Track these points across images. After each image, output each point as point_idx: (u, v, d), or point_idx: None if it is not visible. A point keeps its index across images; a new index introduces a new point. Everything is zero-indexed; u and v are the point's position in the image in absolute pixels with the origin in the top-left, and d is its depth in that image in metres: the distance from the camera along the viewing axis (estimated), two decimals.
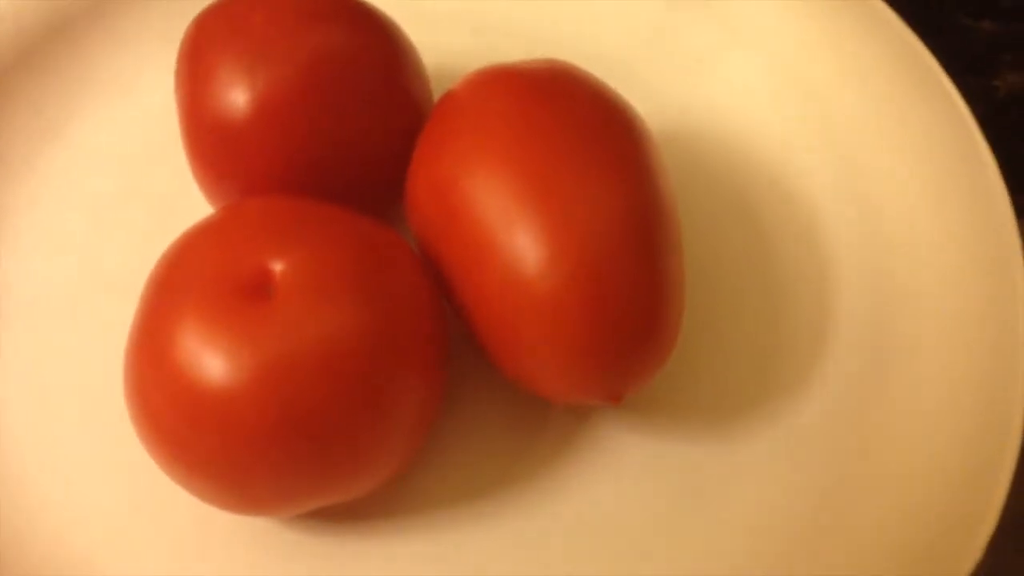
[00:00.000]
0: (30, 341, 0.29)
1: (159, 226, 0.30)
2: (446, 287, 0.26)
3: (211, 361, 0.23)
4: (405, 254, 0.25)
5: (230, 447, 0.23)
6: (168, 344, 0.23)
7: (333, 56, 0.27)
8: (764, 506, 0.27)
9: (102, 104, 0.34)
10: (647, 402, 0.28)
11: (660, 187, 0.25)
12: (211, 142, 0.27)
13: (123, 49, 0.35)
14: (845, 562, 0.25)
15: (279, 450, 0.23)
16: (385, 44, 0.28)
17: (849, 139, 0.32)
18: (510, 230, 0.24)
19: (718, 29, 0.35)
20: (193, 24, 0.28)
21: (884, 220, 0.30)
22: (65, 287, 0.30)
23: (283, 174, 0.27)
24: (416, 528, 0.26)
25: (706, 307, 0.29)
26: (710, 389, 0.28)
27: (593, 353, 0.24)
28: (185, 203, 0.31)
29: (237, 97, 0.26)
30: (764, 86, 0.33)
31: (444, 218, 0.25)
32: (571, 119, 0.25)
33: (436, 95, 0.28)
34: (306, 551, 0.26)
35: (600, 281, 0.24)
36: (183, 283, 0.24)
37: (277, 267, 0.23)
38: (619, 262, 0.24)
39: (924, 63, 0.31)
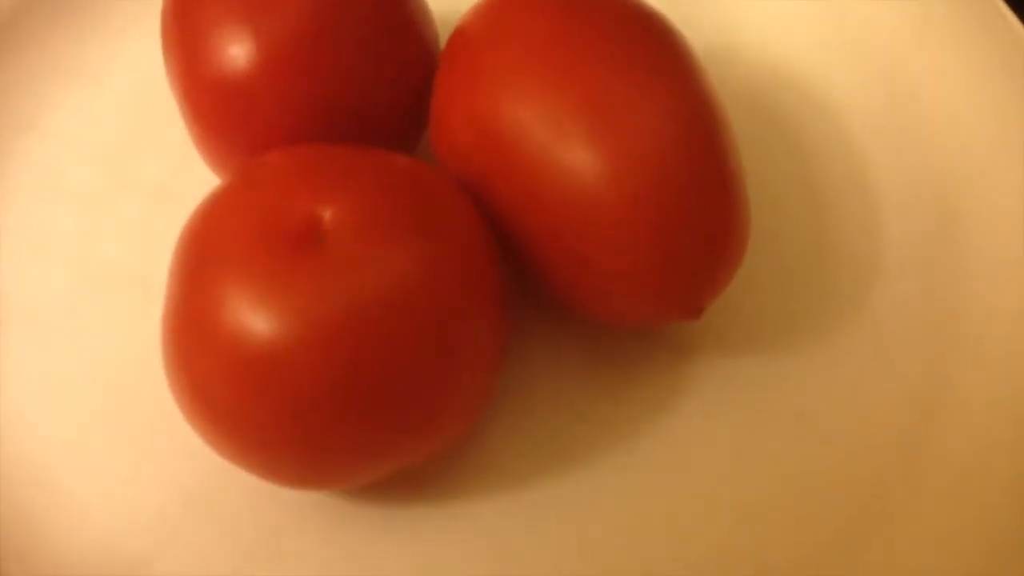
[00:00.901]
0: (32, 339, 0.27)
1: (150, 212, 0.29)
2: (496, 221, 0.24)
3: (266, 319, 0.20)
4: (453, 189, 0.23)
5: (296, 412, 0.21)
6: (214, 307, 0.21)
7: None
8: (853, 418, 0.25)
9: (73, 92, 0.31)
10: (719, 320, 0.26)
11: (709, 91, 0.24)
12: (216, 101, 0.25)
13: (89, 35, 0.32)
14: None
15: (350, 408, 0.21)
16: None
17: (899, 63, 0.30)
18: (567, 148, 0.22)
19: None
20: None
21: (935, 146, 0.29)
22: (62, 282, 0.28)
23: (296, 125, 0.25)
24: (496, 484, 0.25)
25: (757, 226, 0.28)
26: (773, 305, 0.27)
27: (672, 265, 0.23)
28: (175, 186, 0.29)
29: (240, 49, 0.24)
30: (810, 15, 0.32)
31: (487, 148, 0.23)
32: (607, 28, 0.24)
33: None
34: (377, 523, 0.24)
35: (669, 189, 0.22)
36: (222, 241, 0.22)
37: (325, 212, 0.21)
38: (684, 167, 0.22)
39: None
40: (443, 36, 0.27)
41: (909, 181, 0.29)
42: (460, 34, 0.25)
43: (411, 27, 0.26)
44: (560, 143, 0.22)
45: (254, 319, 0.21)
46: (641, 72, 0.23)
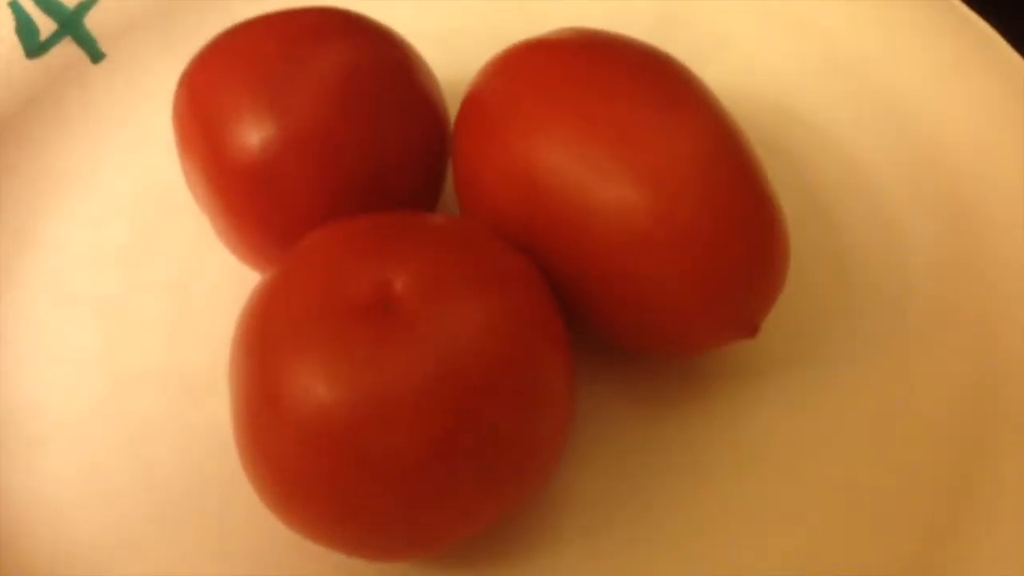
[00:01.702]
0: (73, 450, 0.26)
1: (171, 307, 0.29)
2: (543, 269, 0.24)
3: (353, 392, 0.20)
4: (505, 244, 0.23)
5: (391, 482, 0.21)
6: (294, 388, 0.21)
7: (354, 72, 0.25)
8: (919, 413, 0.26)
9: (69, 200, 0.31)
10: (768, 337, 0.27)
11: (730, 118, 0.25)
12: (247, 187, 0.25)
13: (76, 142, 0.32)
14: None
15: (445, 471, 0.21)
16: (397, 52, 0.27)
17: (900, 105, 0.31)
18: (607, 187, 0.23)
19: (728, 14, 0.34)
20: (193, 68, 0.26)
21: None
22: (94, 388, 0.27)
23: (327, 201, 0.25)
24: (573, 533, 0.25)
25: None
26: (811, 325, 0.28)
27: (726, 286, 0.23)
28: (192, 279, 0.29)
29: (268, 133, 0.25)
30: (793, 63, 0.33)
31: (526, 199, 0.24)
32: (625, 66, 0.25)
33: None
34: None
35: (713, 214, 0.23)
36: (291, 320, 0.21)
37: (393, 279, 0.21)
38: (724, 191, 0.23)
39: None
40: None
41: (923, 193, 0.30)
42: (477, 95, 0.26)
43: (422, 94, 0.27)
44: (600, 183, 0.23)
45: (339, 393, 0.20)
46: (666, 105, 0.24)
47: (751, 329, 0.24)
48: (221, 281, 0.29)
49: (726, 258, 0.23)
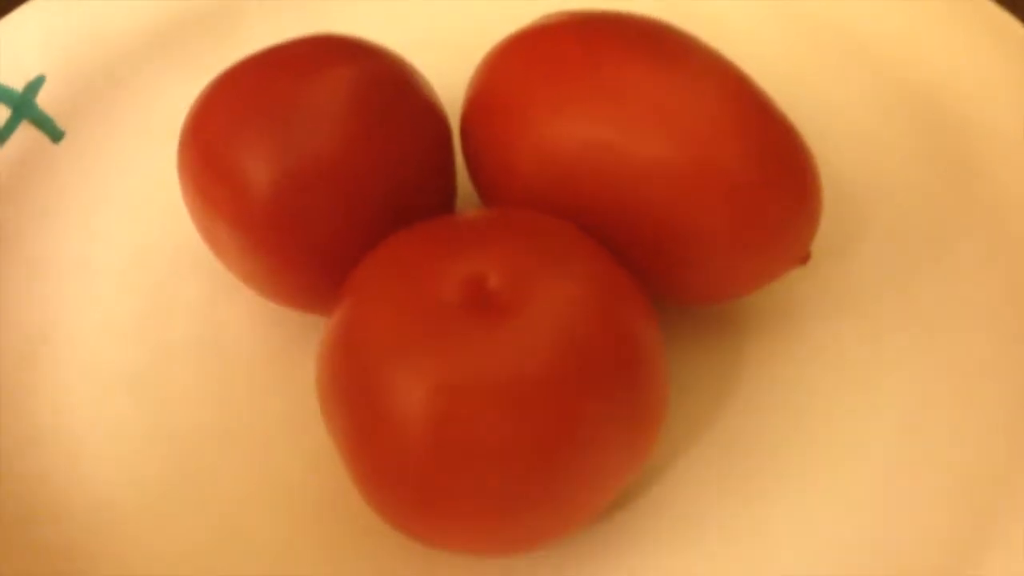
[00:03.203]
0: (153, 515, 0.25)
1: (207, 371, 0.28)
2: None
3: (458, 392, 0.20)
4: (569, 226, 0.24)
5: (519, 475, 0.21)
6: (405, 393, 0.21)
7: (361, 95, 0.25)
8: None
9: (67, 286, 0.29)
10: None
11: (735, 64, 0.26)
12: (274, 226, 0.25)
13: (56, 225, 0.30)
14: None
15: (552, 465, 0.21)
16: (395, 67, 0.27)
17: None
18: (648, 146, 0.24)
19: None
20: (196, 117, 0.25)
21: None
22: (163, 457, 0.26)
23: (357, 225, 0.25)
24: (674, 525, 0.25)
25: None
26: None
27: (777, 216, 0.24)
28: (220, 337, 0.28)
29: (290, 169, 0.24)
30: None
31: (562, 177, 0.24)
32: (627, 34, 0.25)
33: None
34: None
35: (754, 148, 0.24)
36: (387, 330, 0.21)
37: (484, 273, 0.22)
38: (758, 127, 0.24)
39: None
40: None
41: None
42: (483, 91, 0.26)
43: (425, 104, 0.27)
44: (636, 146, 0.24)
45: (452, 393, 0.20)
46: (678, 61, 0.25)
47: (803, 256, 0.25)
48: (246, 327, 0.28)
49: (770, 191, 0.24)
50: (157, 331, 0.28)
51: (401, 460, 0.21)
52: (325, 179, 0.25)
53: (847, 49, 0.33)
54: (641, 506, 0.25)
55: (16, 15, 0.32)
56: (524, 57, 0.26)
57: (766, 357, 0.27)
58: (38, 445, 0.26)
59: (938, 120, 0.31)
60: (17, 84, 0.31)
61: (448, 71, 0.30)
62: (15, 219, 0.30)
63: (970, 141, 0.30)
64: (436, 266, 0.22)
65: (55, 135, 0.31)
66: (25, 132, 0.31)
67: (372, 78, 0.26)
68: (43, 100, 0.31)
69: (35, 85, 0.31)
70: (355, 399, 0.22)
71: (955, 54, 0.31)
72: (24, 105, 0.31)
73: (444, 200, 0.27)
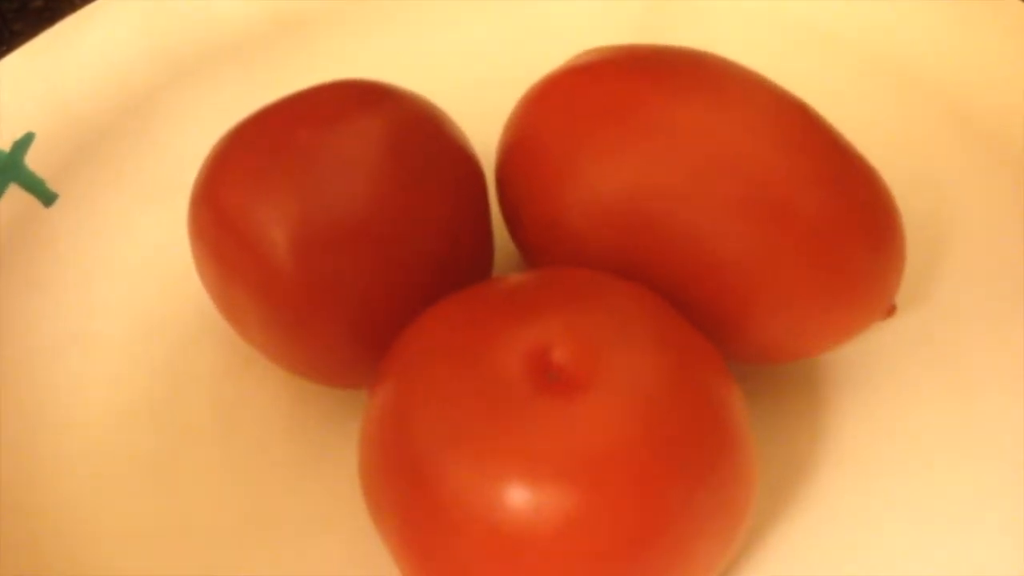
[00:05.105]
0: None
1: (230, 456, 0.25)
2: None
3: (529, 485, 0.18)
4: (635, 285, 0.21)
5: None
6: (474, 486, 0.18)
7: (393, 144, 0.23)
8: None
9: (69, 365, 0.27)
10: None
11: (790, 93, 0.24)
12: (310, 293, 0.22)
13: (57, 296, 0.28)
14: None
15: (662, 547, 0.19)
16: (425, 113, 0.24)
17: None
18: (721, 193, 0.21)
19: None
20: (211, 179, 0.23)
21: None
22: (188, 536, 0.23)
23: (398, 283, 0.23)
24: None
25: None
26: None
27: (861, 267, 0.22)
28: (239, 414, 0.26)
29: (318, 229, 0.22)
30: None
31: (625, 229, 0.22)
32: (672, 71, 0.23)
33: None
34: None
35: (833, 192, 0.22)
36: (441, 419, 0.19)
37: (549, 347, 0.19)
38: (835, 169, 0.22)
39: None
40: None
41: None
42: (523, 138, 0.24)
43: (459, 152, 0.25)
44: (707, 195, 0.21)
45: (516, 487, 0.18)
46: (734, 97, 0.22)
47: (889, 308, 0.23)
48: (268, 404, 0.26)
49: (853, 237, 0.22)
50: (169, 412, 0.26)
51: (464, 563, 0.19)
52: (355, 239, 0.22)
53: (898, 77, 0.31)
54: None
55: (2, 65, 0.30)
56: (565, 98, 0.23)
57: (850, 416, 0.25)
58: (37, 545, 0.24)
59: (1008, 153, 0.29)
60: (3, 143, 0.29)
61: (477, 115, 0.27)
62: (5, 294, 0.27)
63: None
64: (493, 339, 0.19)
65: (47, 198, 0.29)
66: (14, 196, 0.28)
67: (401, 125, 0.24)
68: (33, 160, 0.29)
69: (24, 143, 0.29)
70: (410, 493, 0.19)
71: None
72: (12, 167, 0.28)
73: (483, 258, 0.25)
